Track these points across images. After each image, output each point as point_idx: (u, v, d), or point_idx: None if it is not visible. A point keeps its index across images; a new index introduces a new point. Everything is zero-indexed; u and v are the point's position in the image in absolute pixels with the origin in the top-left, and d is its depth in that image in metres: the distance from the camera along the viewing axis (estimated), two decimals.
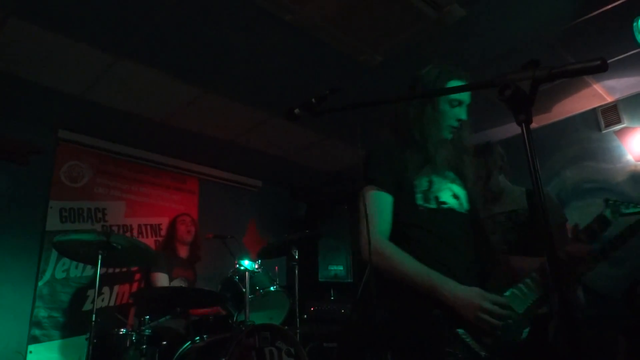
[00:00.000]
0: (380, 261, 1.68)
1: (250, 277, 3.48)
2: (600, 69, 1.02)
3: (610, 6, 3.31)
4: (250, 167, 6.06)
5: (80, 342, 4.15)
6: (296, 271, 3.92)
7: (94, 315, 3.04)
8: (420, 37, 3.61)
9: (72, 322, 4.46)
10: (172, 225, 4.67)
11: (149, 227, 5.33)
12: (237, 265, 3.61)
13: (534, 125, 5.02)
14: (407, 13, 3.32)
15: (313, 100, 1.64)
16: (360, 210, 1.71)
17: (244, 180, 6.30)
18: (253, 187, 6.40)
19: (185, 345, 3.18)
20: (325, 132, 5.14)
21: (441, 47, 3.72)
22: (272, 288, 3.67)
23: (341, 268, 5.71)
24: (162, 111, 4.58)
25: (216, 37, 3.52)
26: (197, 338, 3.25)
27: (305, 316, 4.57)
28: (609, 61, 1.61)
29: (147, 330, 3.15)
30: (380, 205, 1.77)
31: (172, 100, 4.40)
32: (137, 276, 5.02)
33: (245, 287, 3.41)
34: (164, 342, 3.18)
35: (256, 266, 3.61)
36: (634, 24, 3.09)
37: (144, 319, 3.19)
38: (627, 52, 3.78)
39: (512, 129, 4.70)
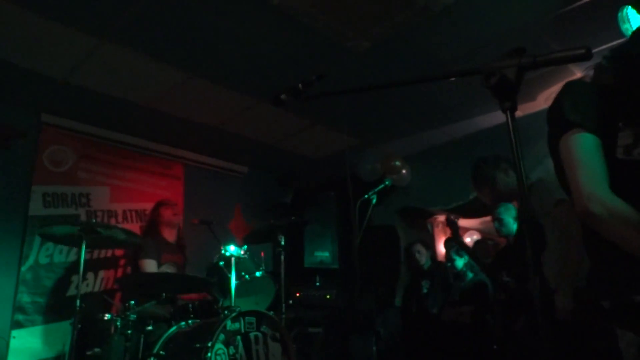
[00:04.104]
0: (609, 222, 1.28)
1: (236, 263, 3.49)
2: (585, 58, 1.03)
3: None
4: (236, 153, 6.03)
5: (65, 328, 4.14)
6: (282, 257, 3.93)
7: (78, 301, 3.03)
8: (408, 24, 3.60)
9: (56, 307, 4.44)
10: (156, 210, 4.63)
11: (134, 212, 5.29)
12: (223, 251, 3.61)
13: (519, 113, 5.06)
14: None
15: (299, 85, 1.63)
16: (569, 157, 1.39)
17: (230, 166, 6.28)
18: (239, 173, 6.39)
19: (171, 330, 3.18)
20: (312, 119, 5.13)
21: (429, 34, 3.72)
22: (257, 273, 3.69)
23: (327, 254, 5.75)
24: (146, 95, 4.53)
25: (202, 20, 3.48)
26: (183, 323, 3.25)
27: (291, 302, 4.60)
28: (594, 50, 1.61)
29: (132, 316, 3.14)
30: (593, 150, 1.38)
31: (157, 84, 4.35)
32: (122, 262, 5.00)
33: (230, 273, 3.41)
34: (149, 327, 3.18)
35: (242, 252, 3.61)
36: (619, 14, 3.11)
37: (129, 304, 3.18)
38: (612, 42, 3.82)
39: (499, 116, 4.74)
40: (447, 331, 4.46)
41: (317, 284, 5.25)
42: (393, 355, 5.15)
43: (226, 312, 3.06)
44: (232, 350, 2.93)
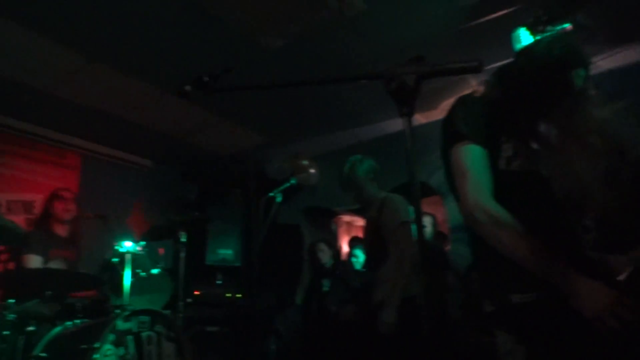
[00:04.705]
0: (490, 229, 1.38)
1: (132, 260, 3.33)
2: (477, 70, 1.09)
3: (495, 15, 3.58)
4: (140, 145, 5.77)
5: None
6: (182, 254, 3.81)
7: None
8: (321, 26, 3.64)
9: None
10: (49, 202, 4.29)
11: (20, 203, 4.88)
12: (117, 247, 3.43)
13: (423, 120, 5.29)
14: (310, 0, 3.34)
15: (206, 78, 1.58)
16: (457, 167, 1.47)
17: (132, 159, 6.01)
18: (142, 167, 6.13)
19: (55, 330, 2.96)
20: (221, 114, 5.03)
21: (341, 37, 3.79)
22: (154, 271, 3.55)
23: (230, 252, 5.66)
24: (41, 78, 4.19)
25: (106, 2, 3.28)
26: (69, 323, 3.04)
27: (190, 300, 4.47)
28: (493, 66, 1.73)
29: (10, 315, 2.88)
30: (479, 161, 1.47)
31: (53, 68, 4.04)
32: (3, 257, 4.57)
33: (124, 270, 3.25)
34: (31, 328, 2.93)
35: (138, 248, 3.46)
36: (513, 33, 3.35)
37: (7, 302, 2.92)
38: (507, 59, 4.11)
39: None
40: (345, 329, 4.55)
41: (219, 282, 5.14)
42: (292, 353, 5.18)
43: (117, 311, 2.91)
44: (122, 351, 2.79)
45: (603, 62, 4.04)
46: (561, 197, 1.52)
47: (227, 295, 4.72)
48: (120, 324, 2.84)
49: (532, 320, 1.34)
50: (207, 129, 5.36)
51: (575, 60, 1.56)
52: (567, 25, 3.31)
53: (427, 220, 4.86)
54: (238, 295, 4.94)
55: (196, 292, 4.61)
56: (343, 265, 5.40)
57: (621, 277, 1.44)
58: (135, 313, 2.95)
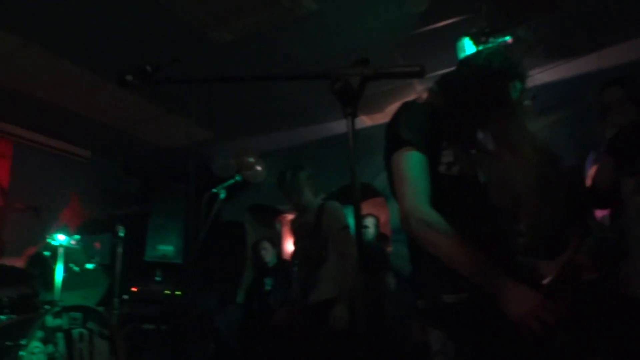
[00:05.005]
0: (424, 233, 1.42)
1: (65, 254, 3.19)
2: (419, 75, 1.12)
3: (441, 23, 3.68)
4: (79, 134, 5.54)
5: None
6: (119, 249, 3.69)
7: None
8: (272, 23, 3.63)
9: None
10: None
11: None
12: (49, 240, 3.29)
13: (369, 122, 5.37)
14: None
15: (148, 68, 1.53)
16: (398, 172, 1.50)
17: (70, 149, 5.76)
18: (80, 157, 5.89)
19: None
20: (166, 106, 4.91)
21: (291, 35, 3.79)
22: (88, 266, 3.43)
23: (171, 248, 5.54)
24: None
25: None
26: None
27: (126, 297, 4.34)
28: (436, 73, 1.78)
29: None
30: (418, 167, 1.50)
31: None
32: None
33: (56, 264, 3.12)
34: None
35: (73, 242, 3.32)
36: (458, 42, 3.47)
37: None
38: (452, 67, 4.24)
39: (355, 122, 4.98)
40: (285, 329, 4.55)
41: (158, 278, 5.02)
42: (232, 352, 5.13)
43: (47, 306, 2.80)
44: (50, 348, 2.68)
45: (541, 75, 4.25)
46: (497, 203, 1.59)
47: (166, 292, 4.62)
48: (50, 321, 2.74)
49: (462, 318, 1.39)
50: (151, 121, 5.22)
51: (512, 73, 1.62)
52: (508, 38, 3.47)
53: (370, 222, 4.93)
54: (177, 293, 4.85)
55: (134, 289, 4.48)
56: (287, 264, 5.40)
57: (545, 282, 1.52)
58: (66, 309, 2.85)
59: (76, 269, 3.37)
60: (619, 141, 2.22)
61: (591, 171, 2.84)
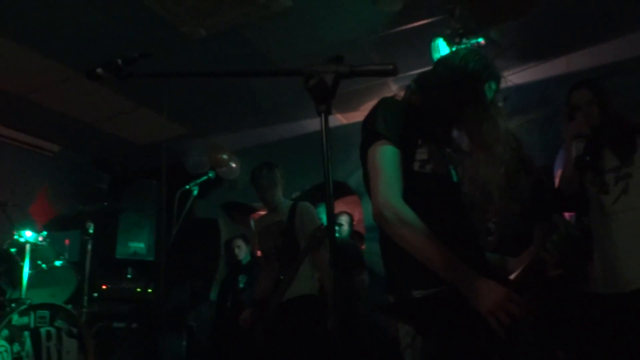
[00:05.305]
0: (397, 227, 1.43)
1: (32, 250, 3.12)
2: (392, 73, 1.13)
3: (416, 24, 3.72)
4: (47, 128, 5.41)
5: None
6: (89, 246, 3.63)
7: None
8: (246, 19, 3.60)
9: None
10: None
11: None
12: (16, 236, 3.21)
13: (344, 121, 5.39)
14: None
15: (119, 61, 1.50)
16: (372, 166, 1.52)
17: (37, 143, 5.63)
18: (48, 152, 5.75)
19: None
20: (137, 101, 4.83)
21: (266, 32, 3.77)
22: (57, 263, 3.36)
23: (142, 245, 5.45)
24: None
25: None
26: None
27: (96, 294, 4.26)
28: (411, 73, 1.80)
29: None
30: (394, 162, 1.51)
31: None
32: None
33: (23, 261, 3.04)
34: None
35: (40, 238, 3.25)
36: (432, 43, 3.51)
37: None
38: (426, 67, 4.28)
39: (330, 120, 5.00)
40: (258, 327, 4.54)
41: (129, 276, 4.95)
42: (204, 349, 5.09)
43: (13, 305, 2.73)
44: (17, 347, 2.63)
45: (512, 77, 4.34)
46: (468, 200, 1.62)
47: (138, 290, 4.55)
48: (16, 319, 2.68)
49: (430, 313, 1.42)
50: (123, 115, 5.13)
51: (488, 74, 1.65)
52: (481, 40, 3.52)
53: (344, 219, 4.95)
54: (149, 291, 4.78)
55: (104, 286, 4.41)
56: (260, 261, 5.39)
57: (512, 277, 1.56)
58: (34, 307, 2.79)
59: (44, 266, 3.29)
60: (583, 162, 2.30)
61: (559, 172, 2.92)
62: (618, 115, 2.36)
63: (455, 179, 1.63)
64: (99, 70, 1.48)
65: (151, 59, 1.58)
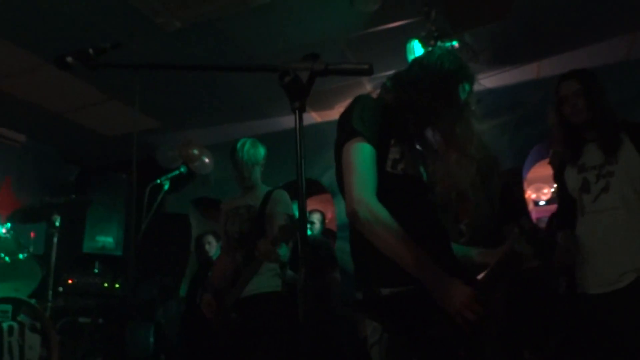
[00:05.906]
0: (370, 224, 1.43)
1: None
2: (367, 73, 1.14)
3: (391, 25, 3.74)
4: (12, 118, 5.25)
5: None
6: (55, 239, 3.55)
7: None
8: (223, 12, 3.57)
9: None
10: None
11: None
12: None
13: (319, 119, 5.40)
14: None
15: (90, 50, 1.47)
16: (347, 162, 1.51)
17: (3, 132, 5.46)
18: (14, 142, 5.58)
19: None
20: (108, 93, 4.73)
21: (244, 28, 3.74)
22: (20, 256, 3.27)
23: (110, 240, 5.36)
24: None
25: None
26: None
27: (61, 289, 4.17)
28: (386, 73, 1.81)
29: None
30: (368, 159, 1.51)
31: None
32: None
33: None
34: None
35: (3, 230, 3.16)
36: (407, 44, 3.54)
37: None
38: (401, 68, 4.32)
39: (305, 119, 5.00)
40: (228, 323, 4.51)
41: (96, 270, 4.85)
42: (172, 345, 5.03)
43: None
44: None
45: (484, 81, 4.41)
46: (439, 200, 1.64)
47: (105, 285, 4.47)
48: None
49: (397, 311, 1.43)
50: (93, 106, 5.02)
51: (462, 74, 1.67)
52: (456, 43, 3.57)
53: (316, 217, 4.96)
54: (116, 286, 4.70)
55: (70, 281, 4.31)
56: None
57: (481, 275, 1.59)
58: None
59: (7, 259, 3.20)
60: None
61: (528, 174, 2.98)
62: (606, 110, 2.31)
63: (425, 180, 1.64)
64: (69, 58, 1.45)
65: (125, 49, 1.56)
